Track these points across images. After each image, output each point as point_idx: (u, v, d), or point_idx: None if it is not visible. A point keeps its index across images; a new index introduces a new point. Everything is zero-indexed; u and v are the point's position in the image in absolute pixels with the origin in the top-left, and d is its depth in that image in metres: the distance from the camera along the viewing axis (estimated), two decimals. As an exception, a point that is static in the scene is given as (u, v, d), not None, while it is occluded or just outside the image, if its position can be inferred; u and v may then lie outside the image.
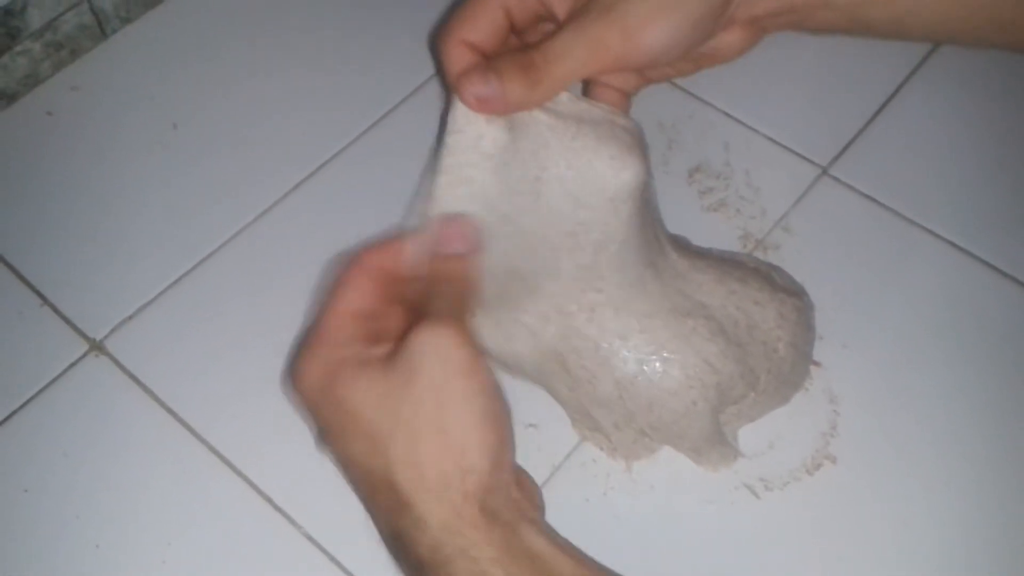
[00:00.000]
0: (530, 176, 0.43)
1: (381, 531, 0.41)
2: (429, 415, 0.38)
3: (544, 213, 0.43)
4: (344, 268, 0.43)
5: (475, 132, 0.41)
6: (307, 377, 0.41)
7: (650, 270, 0.47)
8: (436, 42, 0.44)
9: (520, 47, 0.43)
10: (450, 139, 0.42)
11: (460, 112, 0.41)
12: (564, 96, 0.43)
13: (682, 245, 0.51)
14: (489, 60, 0.42)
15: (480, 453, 0.38)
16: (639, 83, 0.46)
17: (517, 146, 0.42)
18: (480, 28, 0.43)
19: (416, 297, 0.42)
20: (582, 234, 0.44)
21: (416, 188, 0.44)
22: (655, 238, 0.48)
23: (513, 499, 0.39)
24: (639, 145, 0.44)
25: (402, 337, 0.40)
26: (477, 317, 0.45)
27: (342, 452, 0.41)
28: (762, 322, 0.48)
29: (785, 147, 0.60)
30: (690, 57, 0.44)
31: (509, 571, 0.37)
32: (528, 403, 0.50)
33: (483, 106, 0.41)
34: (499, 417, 0.39)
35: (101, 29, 0.64)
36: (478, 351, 0.39)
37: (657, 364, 0.46)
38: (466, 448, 0.38)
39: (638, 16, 0.40)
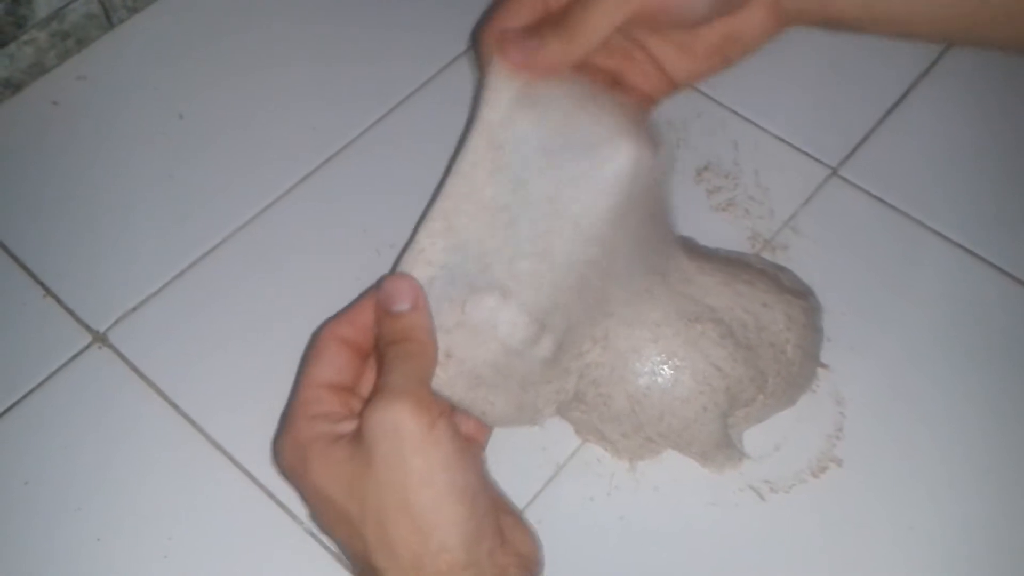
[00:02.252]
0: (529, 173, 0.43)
1: None
2: (394, 497, 0.38)
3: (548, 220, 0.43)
4: (316, 339, 0.42)
5: (506, 112, 0.42)
6: (283, 459, 0.41)
7: (657, 276, 0.46)
8: (477, 35, 0.44)
9: None
10: (485, 113, 0.42)
11: (494, 83, 0.42)
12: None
13: (689, 247, 0.50)
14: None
15: (449, 531, 0.37)
16: (666, 86, 0.46)
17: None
18: (522, 18, 0.43)
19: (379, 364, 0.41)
20: (588, 266, 0.43)
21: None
22: (662, 242, 0.47)
23: (499, 566, 0.39)
24: (634, 131, 0.43)
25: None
26: (496, 407, 0.44)
27: (326, 531, 0.42)
28: (770, 324, 0.48)
29: (794, 147, 0.59)
30: (713, 42, 0.44)
31: None
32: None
33: (524, 64, 0.41)
34: (466, 488, 0.38)
35: (108, 18, 0.64)
36: (435, 419, 0.38)
37: (669, 372, 0.46)
38: (434, 527, 0.37)
39: None
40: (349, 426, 0.40)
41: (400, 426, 0.37)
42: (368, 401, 0.39)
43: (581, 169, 0.42)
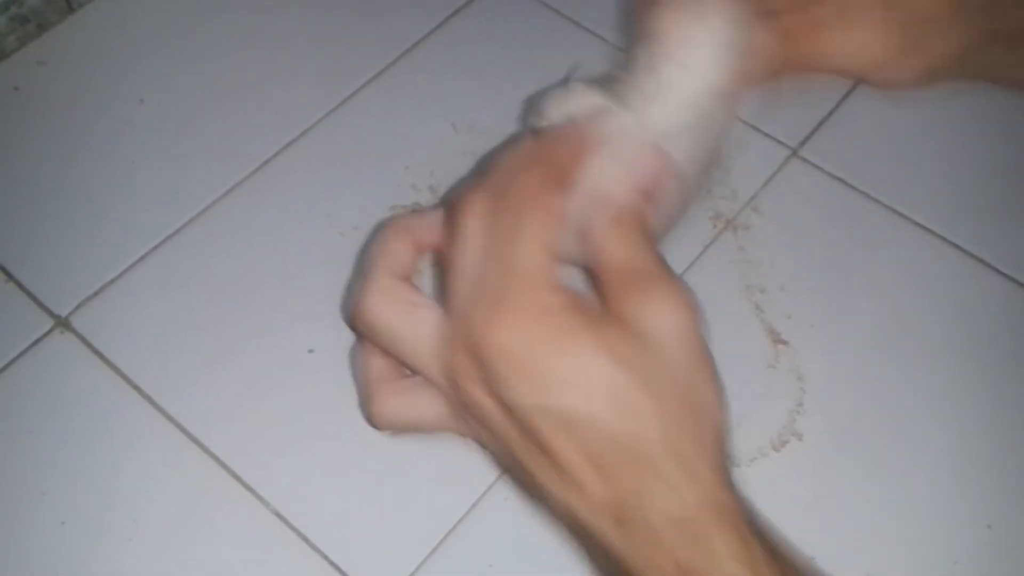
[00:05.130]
0: None
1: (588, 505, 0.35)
2: (700, 385, 0.35)
3: None
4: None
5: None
6: (506, 332, 0.34)
7: None
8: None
9: None
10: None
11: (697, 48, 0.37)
12: None
13: None
14: None
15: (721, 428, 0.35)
16: None
17: None
18: None
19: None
20: None
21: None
22: None
23: None
24: None
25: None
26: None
27: (563, 413, 0.34)
28: None
29: (755, 128, 0.60)
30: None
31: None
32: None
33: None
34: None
35: (68, 3, 0.63)
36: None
37: None
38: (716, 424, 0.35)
39: None
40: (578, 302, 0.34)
41: (688, 320, 0.34)
42: (630, 285, 0.35)
43: None
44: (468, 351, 0.35)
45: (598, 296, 0.36)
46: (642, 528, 0.34)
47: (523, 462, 0.36)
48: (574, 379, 0.33)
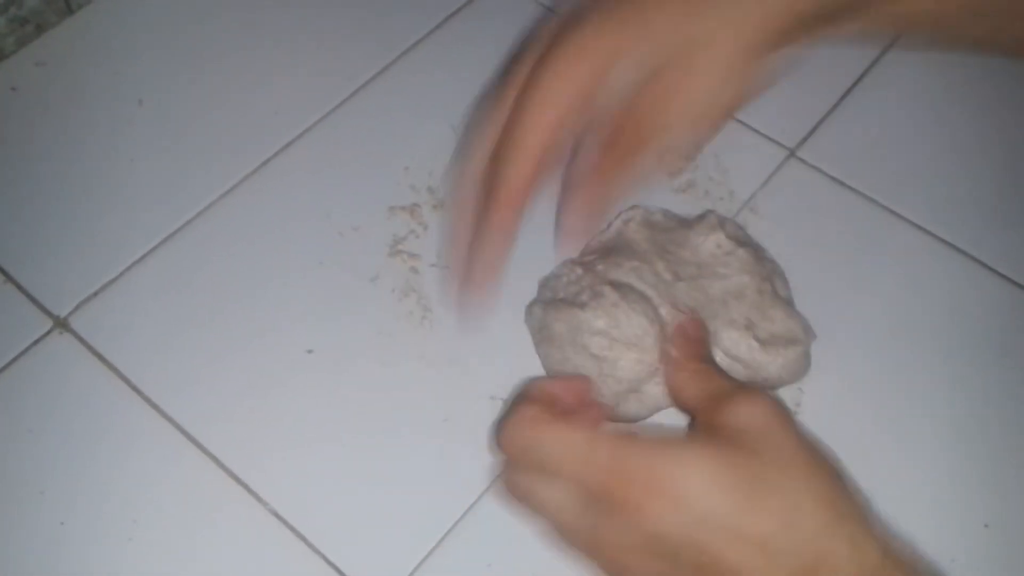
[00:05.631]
0: None
1: None
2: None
3: None
4: None
5: None
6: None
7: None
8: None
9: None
10: None
11: None
12: None
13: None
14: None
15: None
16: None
17: None
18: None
19: None
20: None
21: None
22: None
23: None
24: None
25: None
26: None
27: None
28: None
29: (753, 129, 0.60)
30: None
31: None
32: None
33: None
34: None
35: (67, 4, 0.63)
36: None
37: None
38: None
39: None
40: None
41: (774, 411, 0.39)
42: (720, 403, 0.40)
43: None
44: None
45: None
46: None
47: None
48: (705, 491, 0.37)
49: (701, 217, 0.53)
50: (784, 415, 0.39)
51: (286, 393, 0.51)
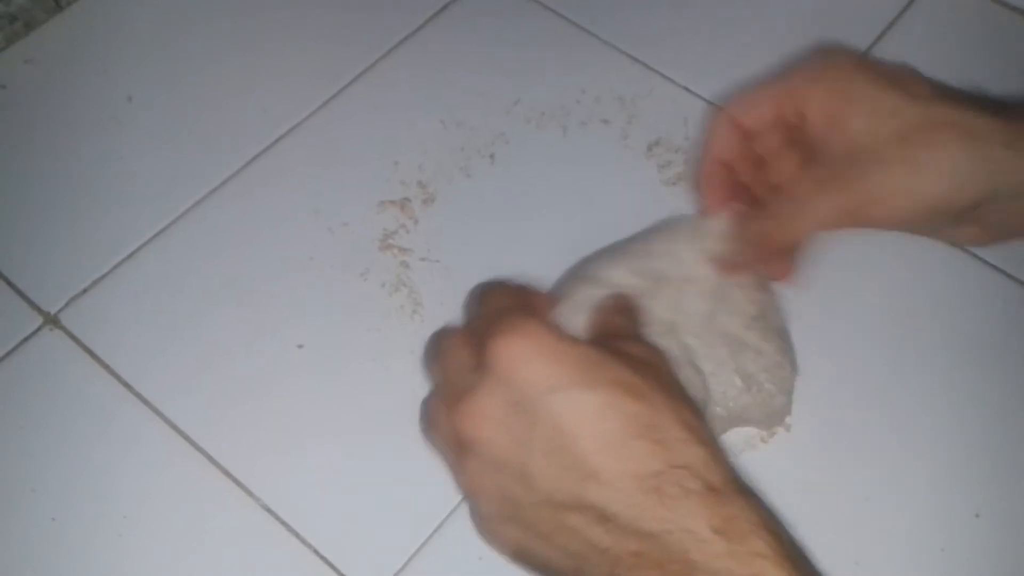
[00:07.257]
0: None
1: None
2: None
3: None
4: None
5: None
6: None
7: None
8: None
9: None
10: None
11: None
12: None
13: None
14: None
15: None
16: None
17: None
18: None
19: None
20: None
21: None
22: None
23: None
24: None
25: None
26: None
27: None
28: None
29: (743, 122, 0.60)
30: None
31: None
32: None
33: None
34: None
35: (56, 1, 0.63)
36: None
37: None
38: None
39: (882, 192, 0.44)
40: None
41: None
42: None
43: None
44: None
45: None
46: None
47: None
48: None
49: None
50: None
51: (277, 388, 0.51)
